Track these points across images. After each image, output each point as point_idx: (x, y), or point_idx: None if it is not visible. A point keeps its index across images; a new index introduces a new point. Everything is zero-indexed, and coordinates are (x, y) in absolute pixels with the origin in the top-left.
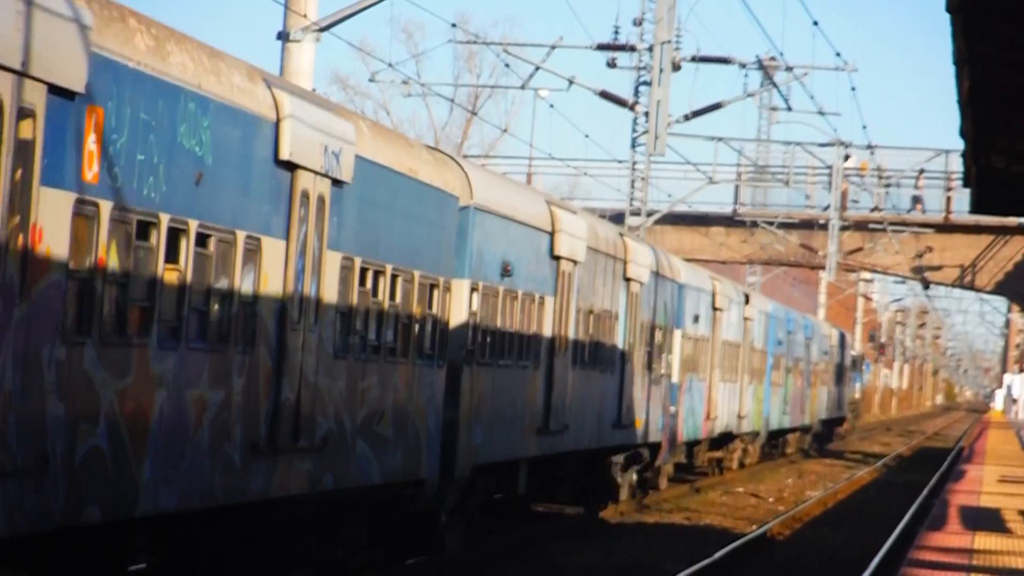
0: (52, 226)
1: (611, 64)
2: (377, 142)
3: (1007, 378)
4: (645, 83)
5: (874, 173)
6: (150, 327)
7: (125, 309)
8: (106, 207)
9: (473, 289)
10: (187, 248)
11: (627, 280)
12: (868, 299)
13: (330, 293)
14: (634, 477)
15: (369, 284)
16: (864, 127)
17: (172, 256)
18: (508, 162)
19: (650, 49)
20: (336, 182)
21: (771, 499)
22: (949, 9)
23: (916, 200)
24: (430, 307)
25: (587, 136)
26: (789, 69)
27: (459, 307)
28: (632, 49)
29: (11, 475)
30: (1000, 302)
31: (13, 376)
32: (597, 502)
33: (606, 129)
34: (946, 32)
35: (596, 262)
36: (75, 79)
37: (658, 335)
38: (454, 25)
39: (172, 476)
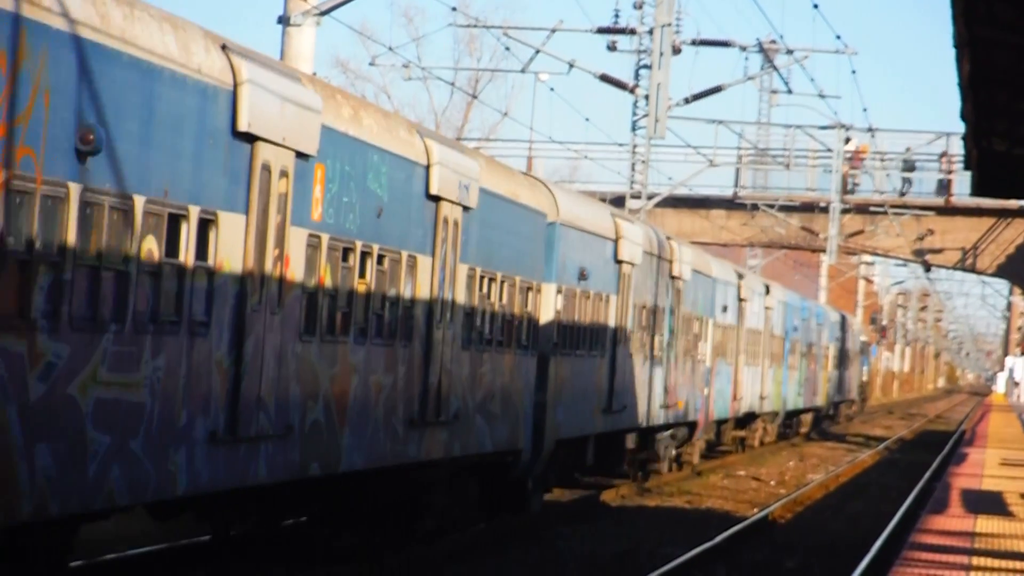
0: (295, 255)
1: (611, 47)
2: (492, 174)
3: (1009, 361)
4: (645, 66)
5: (875, 156)
6: (349, 328)
7: (334, 314)
8: (325, 239)
9: (558, 291)
10: (371, 267)
11: (672, 278)
12: (869, 282)
13: (460, 296)
14: (674, 452)
15: (485, 289)
16: (864, 110)
17: (361, 273)
18: (508, 145)
19: (650, 32)
20: (465, 208)
21: (772, 482)
22: None
23: (906, 181)
24: (526, 306)
25: (587, 119)
26: (789, 52)
27: (547, 306)
28: (632, 32)
29: (271, 438)
30: (1002, 285)
31: (273, 366)
32: (647, 473)
33: (606, 112)
34: (947, 15)
35: (649, 264)
36: (311, 146)
37: (695, 325)
38: (454, 9)
39: (360, 442)
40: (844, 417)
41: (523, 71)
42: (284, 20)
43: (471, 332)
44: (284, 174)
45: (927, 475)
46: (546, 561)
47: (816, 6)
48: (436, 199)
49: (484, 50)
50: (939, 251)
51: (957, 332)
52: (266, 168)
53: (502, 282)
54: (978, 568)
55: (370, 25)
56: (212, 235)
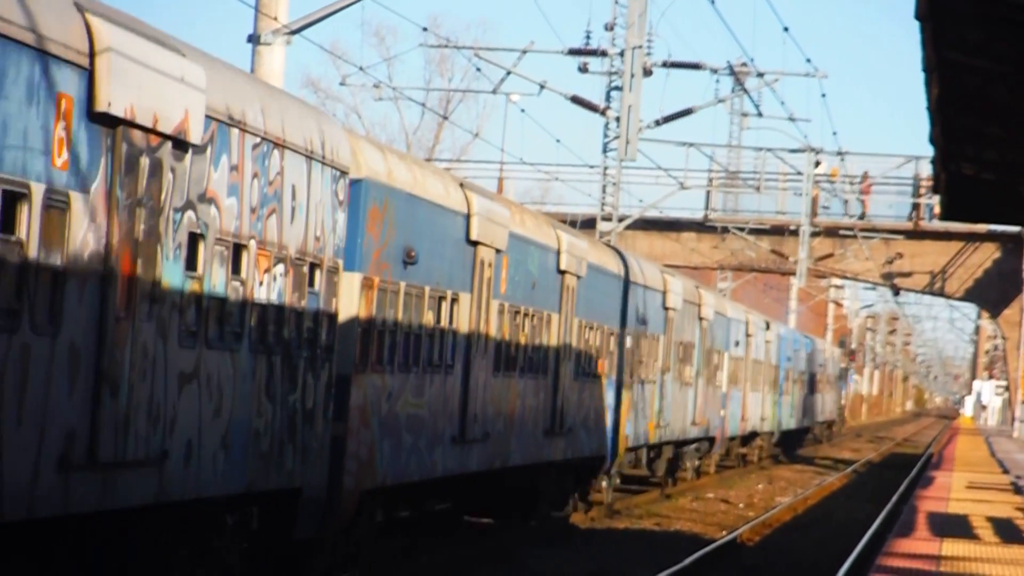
0: (493, 318)
1: (583, 69)
2: (594, 251)
3: (976, 384)
4: (616, 88)
5: (844, 180)
6: (515, 366)
7: (509, 357)
8: (507, 306)
9: (629, 335)
10: (527, 324)
11: (700, 319)
12: (839, 305)
13: (575, 342)
14: (697, 461)
15: (587, 336)
16: (835, 133)
17: (522, 327)
18: (479, 167)
19: (621, 54)
20: (579, 278)
21: (741, 505)
22: (919, 16)
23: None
24: (608, 347)
25: (558, 141)
26: (760, 75)
27: (624, 348)
28: (603, 54)
29: (479, 441)
30: (970, 308)
31: (481, 393)
32: (675, 480)
33: (577, 134)
34: (916, 39)
35: (685, 309)
36: (503, 245)
37: (715, 357)
38: (425, 29)
39: (520, 446)
40: (825, 437)
41: (494, 92)
42: (254, 39)
43: (578, 367)
44: (489, 265)
45: (894, 498)
46: None
47: (787, 29)
48: (563, 273)
49: (455, 70)
50: (908, 275)
51: (925, 356)
52: (482, 262)
53: (598, 330)
54: None
55: (341, 45)
56: (455, 308)
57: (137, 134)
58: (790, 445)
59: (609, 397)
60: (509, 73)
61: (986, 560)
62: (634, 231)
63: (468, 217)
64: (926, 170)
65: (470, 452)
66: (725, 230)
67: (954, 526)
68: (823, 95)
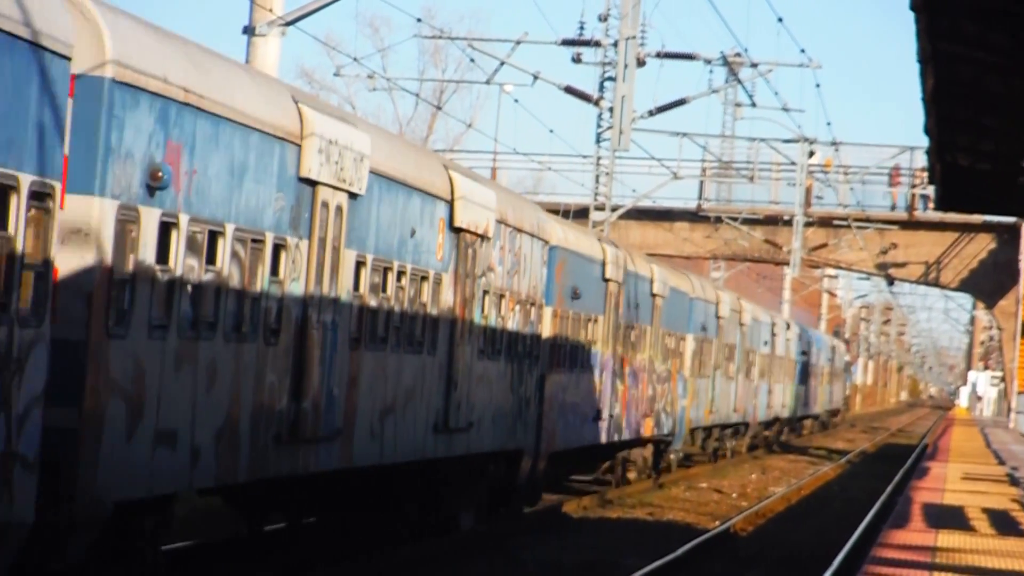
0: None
1: (576, 59)
2: (672, 276)
3: (972, 375)
4: (610, 78)
5: (839, 169)
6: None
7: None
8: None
9: (693, 340)
10: (632, 332)
11: (740, 324)
12: (833, 295)
13: (659, 346)
14: (733, 443)
15: (666, 341)
16: (828, 123)
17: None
18: (473, 157)
19: (615, 45)
20: (664, 298)
21: (735, 495)
22: (913, 7)
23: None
24: (679, 350)
25: (552, 131)
26: (754, 65)
27: (688, 350)
28: (597, 45)
29: (604, 420)
30: (965, 299)
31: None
32: (716, 457)
33: (571, 124)
34: (911, 30)
35: (731, 316)
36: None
37: (751, 355)
38: (419, 20)
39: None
40: (832, 423)
41: (488, 82)
42: (249, 30)
43: (662, 365)
44: (618, 294)
45: (889, 489)
46: (509, 572)
47: (781, 20)
48: (654, 296)
49: (449, 61)
50: (902, 265)
51: (920, 346)
52: (611, 293)
53: (673, 336)
54: None
55: (335, 35)
56: (595, 327)
57: (468, 235)
58: (802, 429)
59: (680, 388)
60: (503, 64)
61: (982, 552)
62: (627, 221)
63: (603, 264)
64: (920, 161)
65: (606, 429)
66: (718, 220)
67: (949, 517)
68: (817, 85)
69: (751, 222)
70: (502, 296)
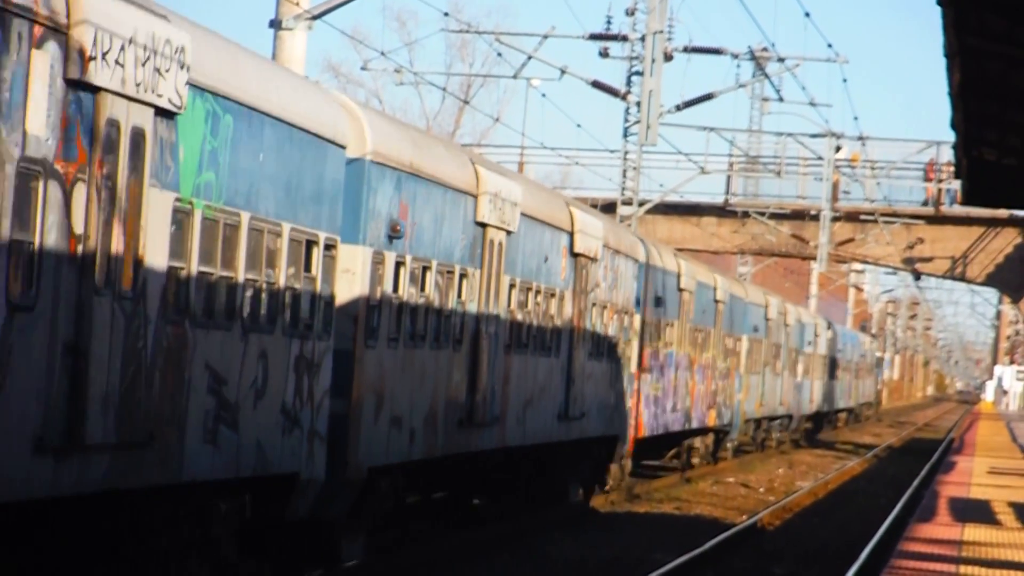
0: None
1: (603, 54)
2: (735, 285)
3: (998, 370)
4: (637, 73)
5: (866, 164)
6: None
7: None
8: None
9: (747, 340)
10: (699, 336)
11: (786, 325)
12: (859, 290)
13: (721, 347)
14: (777, 434)
15: (727, 342)
16: (855, 118)
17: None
18: (500, 151)
19: (642, 39)
20: (724, 303)
21: (761, 489)
22: (940, 2)
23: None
24: (736, 349)
25: (579, 126)
26: (781, 60)
27: (742, 351)
28: (624, 39)
29: (673, 410)
30: (991, 293)
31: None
32: (763, 447)
33: (598, 119)
34: (938, 25)
35: (778, 318)
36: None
37: (794, 354)
38: (447, 14)
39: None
40: (864, 416)
41: (515, 77)
42: (276, 24)
43: (724, 363)
44: (689, 303)
45: (915, 483)
46: (536, 567)
47: (808, 15)
48: (717, 302)
49: (476, 55)
50: (929, 260)
51: (946, 340)
52: (684, 302)
53: (731, 337)
54: None
55: (362, 29)
56: (670, 330)
57: (583, 259)
58: (837, 422)
59: (737, 384)
60: (530, 58)
61: (1008, 545)
62: (654, 215)
63: (679, 275)
64: (946, 156)
65: (680, 419)
66: (745, 215)
67: (975, 511)
68: (844, 80)
69: (778, 217)
70: (604, 307)
